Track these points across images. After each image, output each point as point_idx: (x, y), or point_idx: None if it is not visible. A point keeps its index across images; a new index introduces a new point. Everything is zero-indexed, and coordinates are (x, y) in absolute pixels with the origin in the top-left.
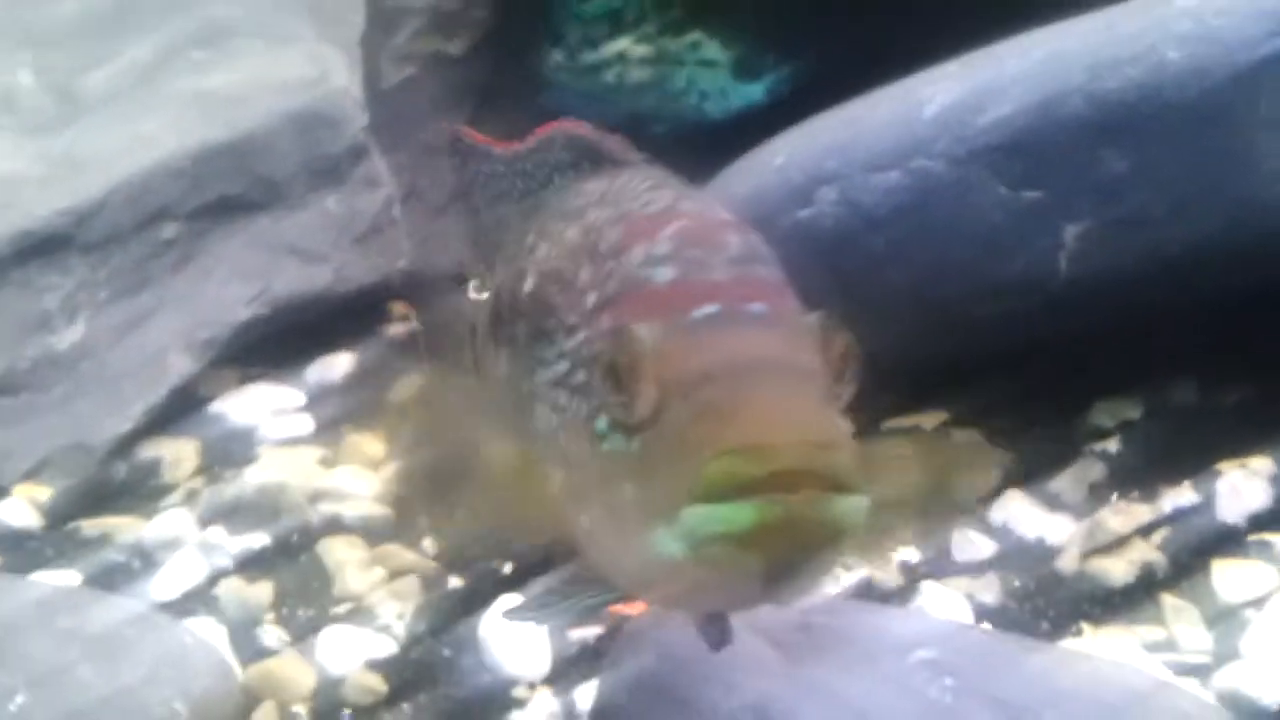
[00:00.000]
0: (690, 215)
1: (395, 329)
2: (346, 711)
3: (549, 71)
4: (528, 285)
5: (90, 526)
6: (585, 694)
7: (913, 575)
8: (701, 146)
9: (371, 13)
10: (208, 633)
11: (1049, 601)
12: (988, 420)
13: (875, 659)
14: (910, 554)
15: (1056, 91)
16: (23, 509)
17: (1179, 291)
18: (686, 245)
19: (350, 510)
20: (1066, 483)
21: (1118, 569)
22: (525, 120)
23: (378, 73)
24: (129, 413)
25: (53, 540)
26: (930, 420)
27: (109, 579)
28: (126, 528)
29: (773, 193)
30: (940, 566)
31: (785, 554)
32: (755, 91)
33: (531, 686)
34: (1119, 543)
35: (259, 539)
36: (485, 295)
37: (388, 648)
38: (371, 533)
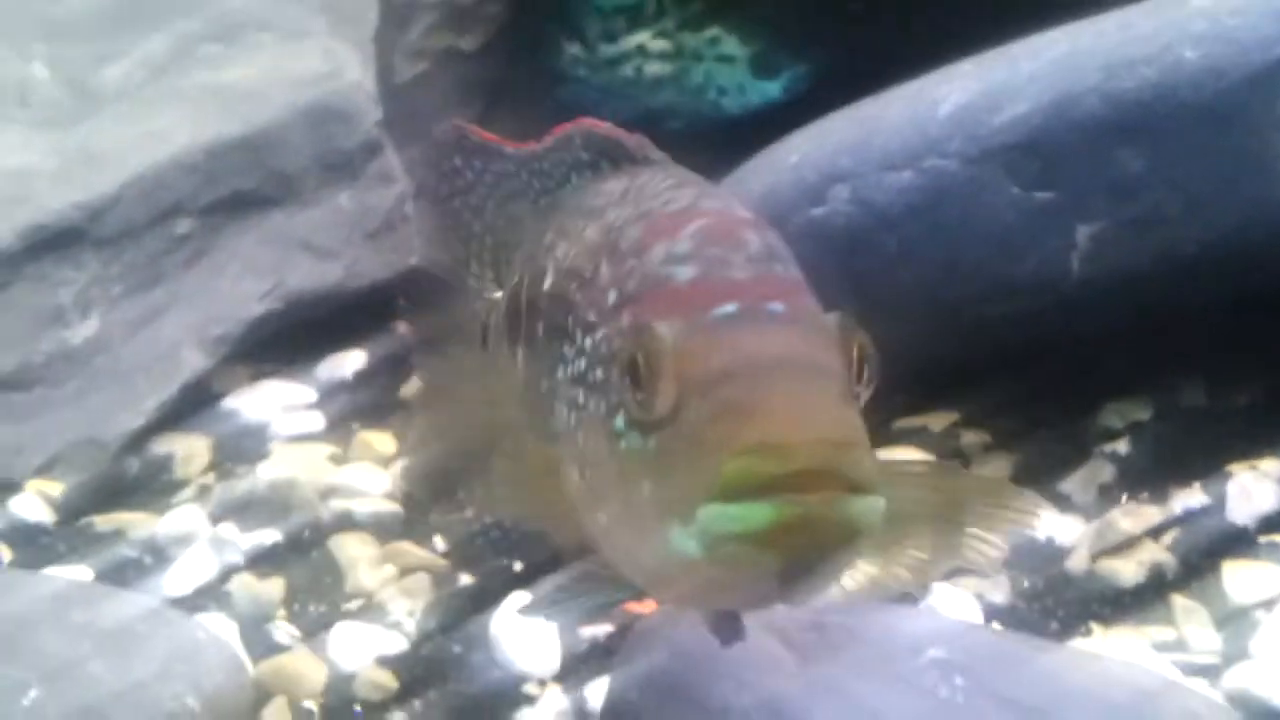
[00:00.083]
0: (711, 214)
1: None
2: (357, 707)
3: (566, 66)
4: (547, 283)
5: (103, 522)
6: (596, 691)
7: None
8: (719, 143)
9: (385, 8)
10: (219, 628)
11: (1058, 602)
12: (997, 421)
13: (887, 658)
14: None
15: (1072, 91)
16: (35, 504)
17: (1192, 292)
18: (707, 244)
19: (361, 507)
20: (1076, 484)
21: (1127, 570)
22: (540, 116)
23: (391, 68)
24: (142, 408)
25: (65, 535)
26: (940, 420)
27: (121, 574)
28: (139, 523)
29: (786, 191)
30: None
31: (801, 553)
32: (773, 88)
33: (542, 683)
34: (1129, 543)
35: (270, 535)
36: (497, 294)
37: (398, 644)
38: (383, 529)
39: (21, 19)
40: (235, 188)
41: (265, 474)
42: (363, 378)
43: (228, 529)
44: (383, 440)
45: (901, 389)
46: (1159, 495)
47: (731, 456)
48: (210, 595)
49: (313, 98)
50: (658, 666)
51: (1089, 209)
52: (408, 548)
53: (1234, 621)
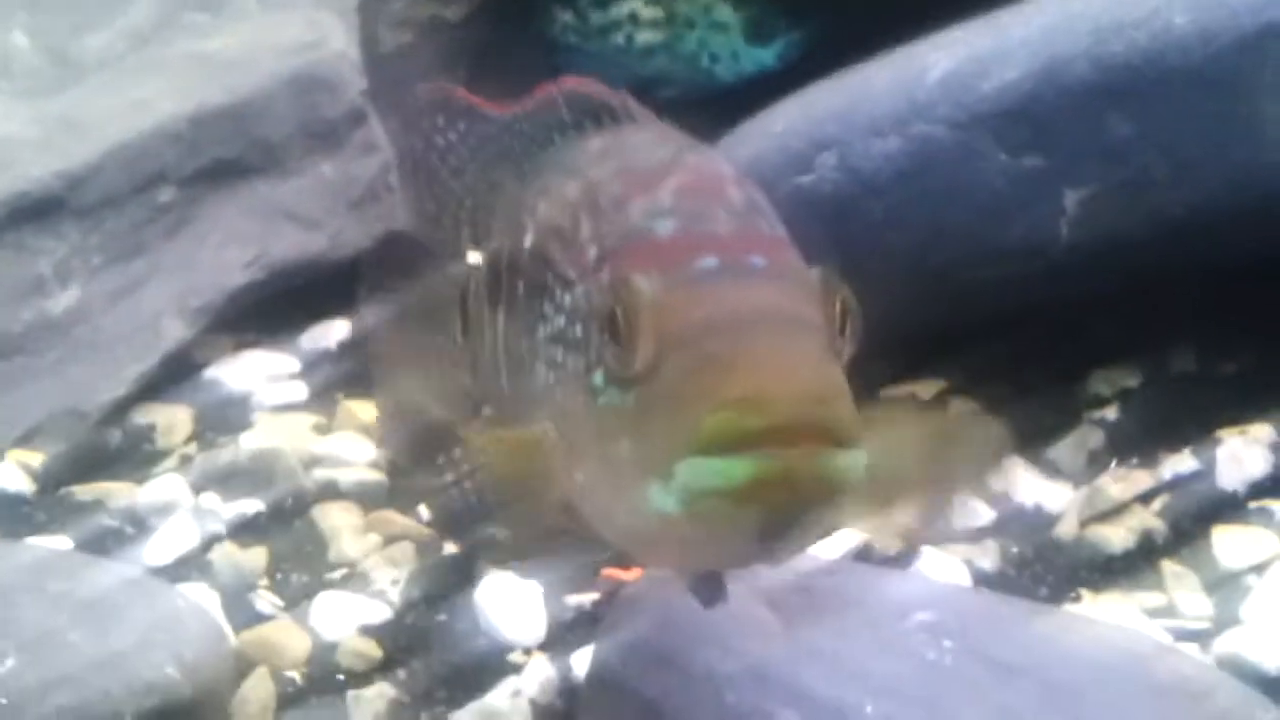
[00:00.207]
0: (692, 168)
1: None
2: (340, 677)
3: (556, 33)
4: (527, 241)
5: (83, 492)
6: (581, 659)
7: (912, 541)
8: (713, 111)
9: None
10: (201, 598)
11: (1048, 568)
12: (986, 388)
13: (874, 621)
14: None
15: (1061, 56)
16: (15, 474)
17: (1181, 257)
18: (688, 198)
19: (345, 476)
20: (1065, 450)
21: (1117, 536)
22: (527, 86)
23: (375, 38)
24: (123, 378)
25: (45, 505)
26: (928, 388)
27: (101, 544)
28: (120, 493)
29: (773, 158)
30: (939, 533)
31: (782, 510)
32: (767, 56)
33: (527, 652)
34: (1118, 510)
35: (253, 505)
36: (478, 259)
37: (382, 613)
38: (366, 498)
39: None
40: (218, 157)
41: (248, 444)
42: (347, 347)
43: (210, 499)
44: (367, 410)
45: (889, 356)
46: (1148, 461)
47: (711, 411)
48: (192, 565)
49: (297, 67)
50: (642, 634)
51: (1077, 174)
52: (392, 516)
53: (1224, 586)
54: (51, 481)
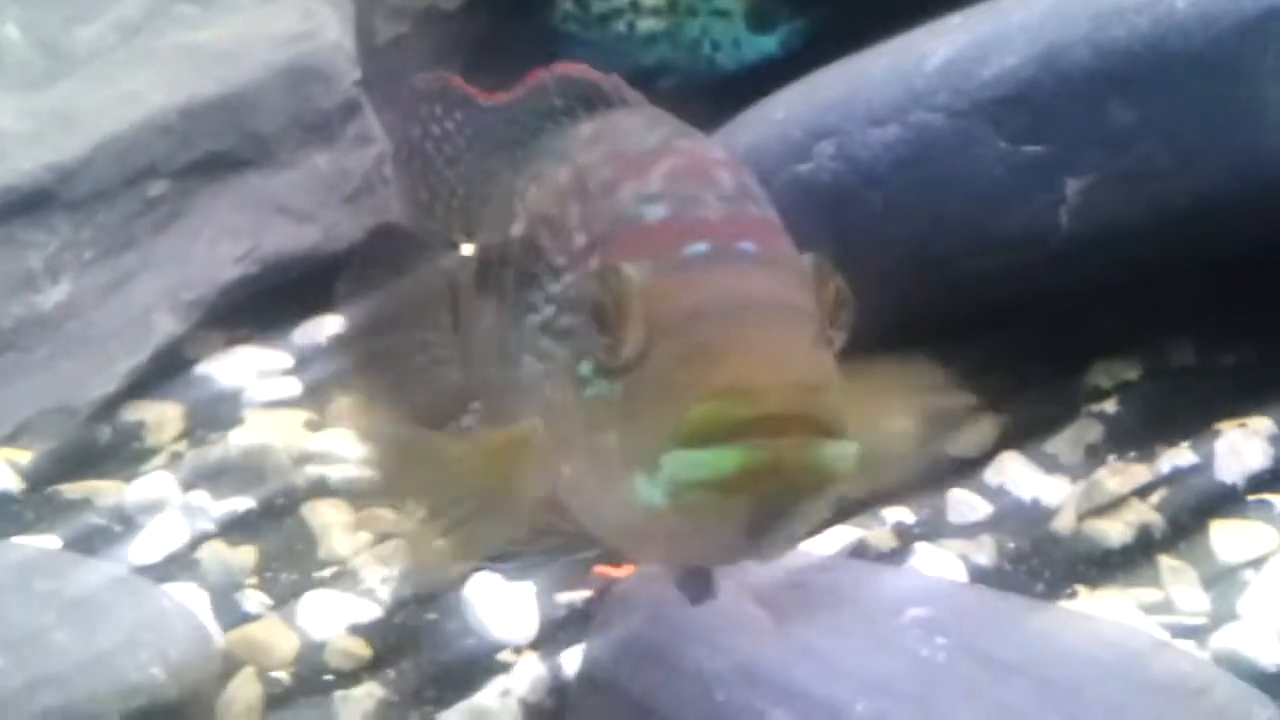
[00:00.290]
0: (683, 152)
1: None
2: (328, 677)
3: (557, 22)
4: (517, 230)
5: (71, 490)
6: (571, 658)
7: (907, 537)
8: (715, 100)
9: None
10: (188, 597)
11: (1044, 563)
12: (984, 380)
13: (867, 618)
14: (904, 515)
15: (1061, 41)
16: (4, 472)
17: (1182, 246)
18: (678, 182)
19: (336, 473)
20: (1063, 444)
21: (1115, 530)
22: (523, 75)
23: (370, 29)
24: (113, 374)
25: (33, 504)
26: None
27: (89, 543)
28: (108, 491)
29: (772, 147)
30: (934, 528)
31: (770, 501)
32: (769, 43)
33: (517, 651)
34: (1116, 504)
35: (243, 502)
36: (469, 251)
37: (371, 612)
38: (357, 496)
39: None
40: (210, 149)
41: (239, 440)
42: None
43: (199, 496)
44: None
45: (886, 347)
46: (1147, 455)
47: (698, 400)
48: (180, 563)
49: (290, 58)
50: (633, 632)
51: (1078, 162)
52: (382, 514)
53: (1222, 581)
54: (40, 479)
